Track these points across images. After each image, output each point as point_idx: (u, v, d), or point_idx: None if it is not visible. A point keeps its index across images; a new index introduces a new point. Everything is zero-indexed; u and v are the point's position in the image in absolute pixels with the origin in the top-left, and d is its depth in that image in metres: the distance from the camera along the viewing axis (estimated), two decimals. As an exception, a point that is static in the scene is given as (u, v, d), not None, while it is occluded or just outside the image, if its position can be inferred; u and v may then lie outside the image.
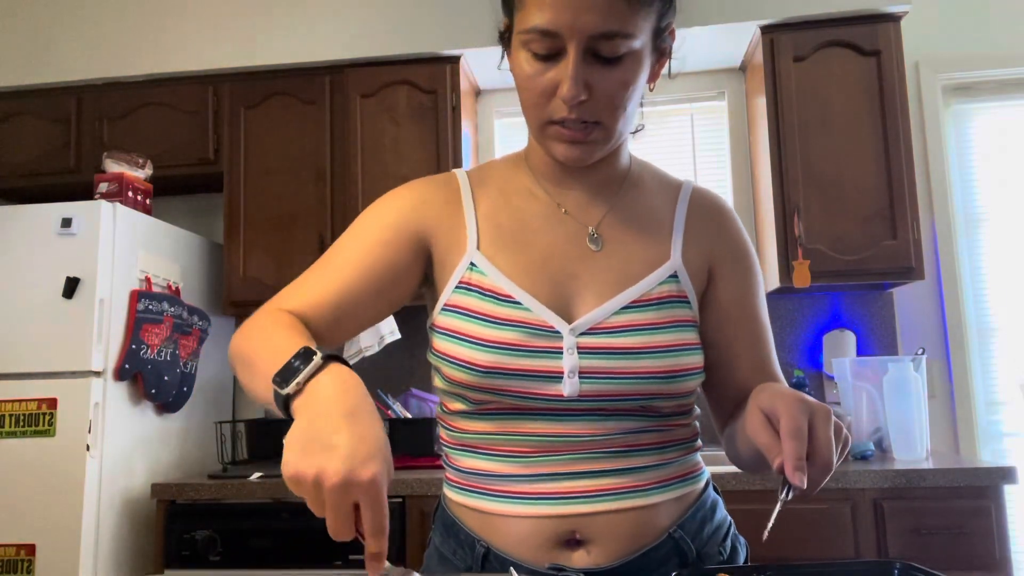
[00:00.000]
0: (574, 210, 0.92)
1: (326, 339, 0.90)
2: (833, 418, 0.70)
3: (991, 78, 2.74)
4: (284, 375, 0.71)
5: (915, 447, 2.15)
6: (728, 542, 0.93)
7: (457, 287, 0.89)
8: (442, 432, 0.96)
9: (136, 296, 2.31)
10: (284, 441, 0.65)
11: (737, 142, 2.85)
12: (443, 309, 0.90)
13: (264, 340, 0.80)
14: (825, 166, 2.41)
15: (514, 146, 2.97)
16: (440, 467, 2.32)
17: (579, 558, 0.84)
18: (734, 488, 1.98)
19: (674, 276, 0.89)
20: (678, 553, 0.86)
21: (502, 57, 0.92)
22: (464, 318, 0.87)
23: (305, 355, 0.71)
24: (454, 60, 2.63)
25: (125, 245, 2.31)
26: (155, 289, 2.41)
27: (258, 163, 2.69)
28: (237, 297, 2.63)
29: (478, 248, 0.90)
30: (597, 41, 0.78)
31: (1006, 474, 1.93)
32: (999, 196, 2.71)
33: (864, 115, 2.42)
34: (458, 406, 0.90)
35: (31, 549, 2.09)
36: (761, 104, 2.54)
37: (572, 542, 0.85)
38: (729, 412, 0.95)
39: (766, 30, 2.50)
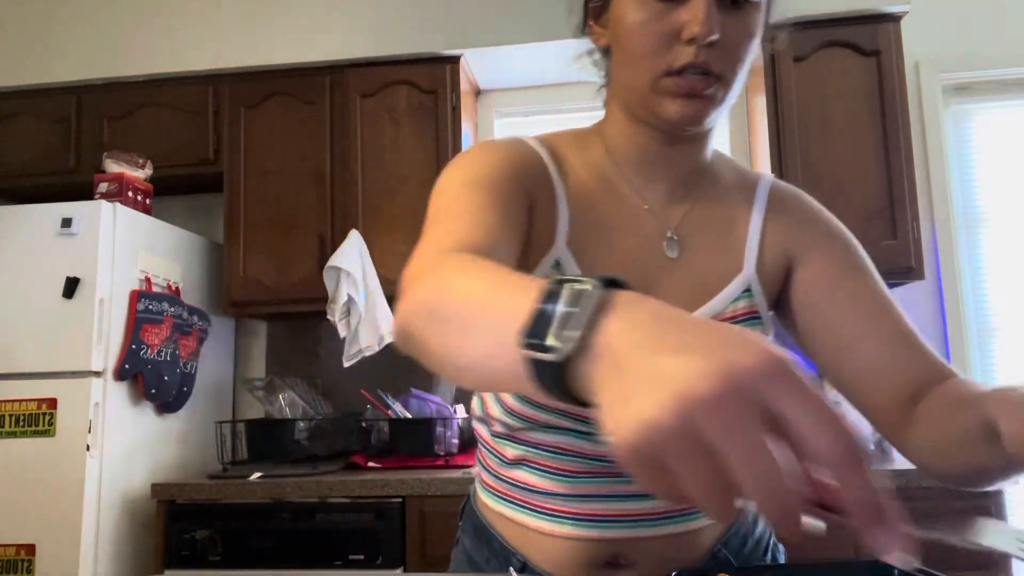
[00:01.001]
0: (657, 207, 0.83)
1: None
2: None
3: (991, 78, 2.74)
4: (539, 326, 0.43)
5: (915, 447, 2.15)
6: (769, 554, 0.89)
7: None
8: (483, 432, 0.89)
9: (136, 296, 2.30)
10: (601, 404, 0.39)
11: (737, 142, 2.85)
12: None
13: (470, 281, 0.54)
14: (825, 166, 2.41)
15: (514, 146, 2.97)
16: (439, 467, 2.32)
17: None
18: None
19: (748, 291, 0.81)
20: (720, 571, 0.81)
21: (584, 23, 0.83)
22: None
23: (561, 291, 0.43)
24: (454, 60, 2.63)
25: (125, 245, 2.31)
26: (155, 289, 2.41)
27: (258, 163, 2.69)
28: (237, 297, 2.63)
29: (567, 244, 0.79)
30: None
31: (1006, 474, 1.93)
32: (999, 196, 2.71)
33: (864, 115, 2.42)
34: (510, 419, 0.83)
35: (31, 549, 2.08)
36: (761, 104, 2.53)
37: (613, 564, 0.81)
38: (900, 415, 0.78)
39: (766, 30, 2.49)
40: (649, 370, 0.36)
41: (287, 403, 2.58)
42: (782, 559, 0.91)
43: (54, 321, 2.17)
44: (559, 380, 0.42)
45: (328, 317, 2.51)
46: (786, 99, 2.45)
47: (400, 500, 2.12)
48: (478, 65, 2.74)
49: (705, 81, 0.73)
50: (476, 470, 0.93)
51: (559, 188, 0.81)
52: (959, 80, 2.75)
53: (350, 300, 2.45)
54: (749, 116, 2.82)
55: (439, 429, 2.44)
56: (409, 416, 2.49)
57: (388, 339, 2.50)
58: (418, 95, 2.63)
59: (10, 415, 2.16)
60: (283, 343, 2.92)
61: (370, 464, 2.38)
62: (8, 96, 2.85)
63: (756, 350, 0.35)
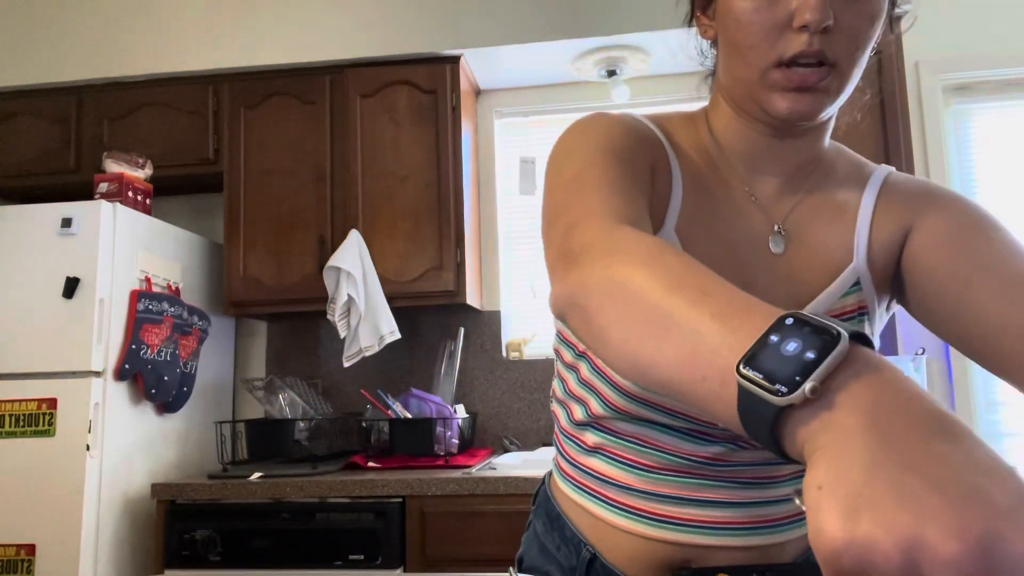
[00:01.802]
0: (764, 199, 0.79)
1: None
2: None
3: (991, 78, 2.74)
4: (766, 359, 0.40)
5: (915, 447, 2.15)
6: None
7: None
8: (560, 417, 0.87)
9: (136, 296, 2.31)
10: (817, 482, 0.35)
11: (737, 142, 2.84)
12: None
13: (674, 275, 0.50)
14: (825, 166, 2.41)
15: (515, 146, 2.97)
16: (439, 467, 2.32)
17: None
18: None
19: (857, 284, 0.76)
20: None
21: (691, 14, 0.81)
22: None
23: (801, 329, 0.40)
24: (454, 60, 2.63)
25: (125, 245, 2.31)
26: (155, 289, 2.41)
27: (258, 163, 2.69)
28: (237, 297, 2.63)
29: (675, 230, 0.75)
30: None
31: (1006, 474, 1.93)
32: (999, 196, 2.71)
33: (864, 115, 2.42)
34: (595, 402, 0.80)
35: (31, 549, 2.09)
36: (761, 104, 2.53)
37: (686, 570, 0.78)
38: None
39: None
40: (890, 481, 0.32)
41: (287, 403, 2.58)
42: None
43: (54, 321, 2.17)
44: (770, 422, 0.39)
45: (328, 317, 2.51)
46: (786, 99, 2.44)
47: (400, 500, 2.12)
48: (478, 65, 2.74)
49: (818, 72, 0.69)
50: (553, 455, 0.91)
51: (675, 168, 0.78)
52: (959, 80, 2.75)
53: (350, 300, 2.45)
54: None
55: (439, 429, 2.44)
56: (409, 416, 2.49)
57: (388, 339, 2.50)
58: (418, 95, 2.63)
59: (10, 415, 2.16)
60: (283, 343, 2.92)
61: (370, 464, 2.38)
62: (8, 96, 2.85)
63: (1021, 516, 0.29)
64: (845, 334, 0.39)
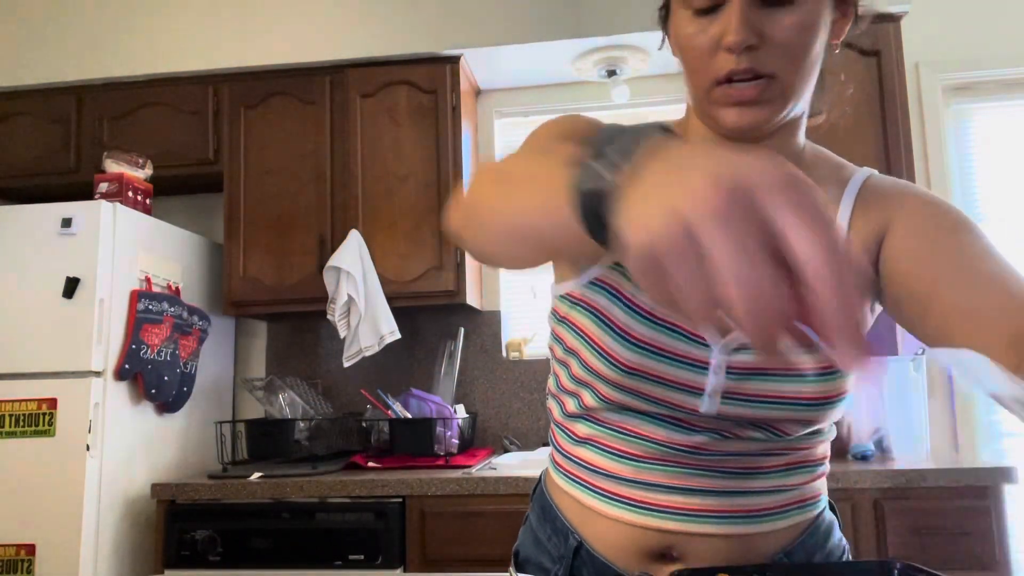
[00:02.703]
0: None
1: None
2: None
3: (991, 78, 2.74)
4: (589, 170, 0.47)
5: (915, 447, 2.15)
6: None
7: (613, 265, 0.80)
8: (554, 410, 0.90)
9: (136, 296, 2.31)
10: (623, 214, 0.41)
11: (737, 142, 2.84)
12: (594, 284, 0.80)
13: (534, 158, 0.61)
14: (825, 166, 2.41)
15: (515, 146, 2.97)
16: (439, 467, 2.32)
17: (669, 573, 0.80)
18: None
19: None
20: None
21: (662, 40, 0.84)
22: (614, 300, 0.78)
23: (614, 136, 0.49)
24: (454, 60, 2.63)
25: (125, 245, 2.31)
26: (155, 289, 2.41)
27: (258, 163, 2.69)
28: (237, 297, 2.63)
29: None
30: None
31: (1006, 474, 1.93)
32: (999, 196, 2.71)
33: (864, 115, 2.42)
34: (584, 392, 0.83)
35: (31, 549, 2.09)
36: (761, 104, 2.53)
37: (667, 557, 0.80)
38: (1008, 363, 0.63)
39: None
40: (663, 180, 0.39)
41: (287, 403, 2.58)
42: None
43: (54, 321, 2.17)
44: (600, 213, 0.44)
45: (328, 317, 2.51)
46: (786, 99, 2.45)
47: (400, 500, 2.12)
48: (478, 65, 2.74)
49: (755, 86, 0.72)
50: (549, 449, 0.94)
51: None
52: (959, 80, 2.75)
53: (350, 300, 2.45)
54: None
55: (439, 429, 2.44)
56: (409, 416, 2.49)
57: (388, 339, 2.50)
58: (418, 95, 2.63)
59: (10, 415, 2.16)
60: (283, 343, 2.92)
61: (370, 464, 2.38)
62: (8, 96, 2.85)
63: (765, 165, 0.37)
64: (645, 137, 0.46)
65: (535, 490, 0.96)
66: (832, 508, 0.90)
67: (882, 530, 1.96)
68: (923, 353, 2.27)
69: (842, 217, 0.80)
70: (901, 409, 2.18)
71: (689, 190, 0.37)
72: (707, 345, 0.77)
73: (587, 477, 0.84)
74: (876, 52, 2.43)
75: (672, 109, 2.92)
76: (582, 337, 0.80)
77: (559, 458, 0.89)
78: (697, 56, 0.74)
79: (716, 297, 0.36)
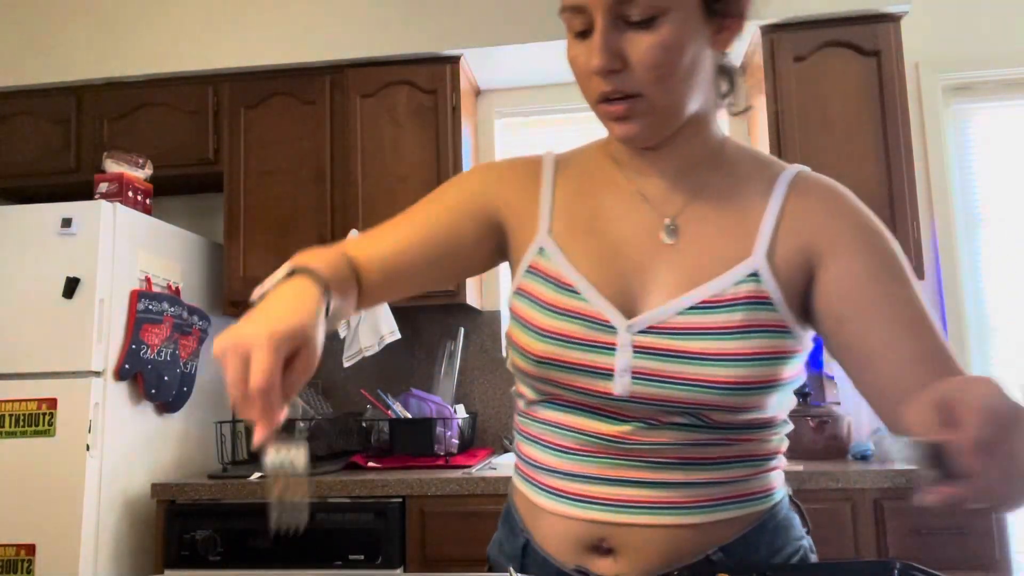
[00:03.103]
0: (654, 198, 0.85)
1: (378, 292, 0.90)
2: None
3: (991, 78, 2.74)
4: (262, 286, 0.76)
5: (915, 447, 2.14)
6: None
7: (527, 271, 0.87)
8: (515, 416, 0.95)
9: (136, 296, 2.30)
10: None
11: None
12: (515, 292, 0.88)
13: (293, 260, 0.82)
14: (825, 166, 2.39)
15: (514, 146, 2.97)
16: (439, 467, 2.33)
17: (605, 566, 0.82)
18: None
19: (755, 275, 0.79)
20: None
21: None
22: (528, 303, 0.85)
23: (286, 271, 0.76)
24: (454, 60, 2.63)
25: (125, 245, 2.31)
26: (155, 289, 2.41)
27: (258, 163, 2.69)
28: (237, 297, 2.63)
29: (549, 233, 0.87)
30: (622, 6, 0.73)
31: (1006, 474, 1.93)
32: (999, 196, 2.71)
33: (864, 115, 2.42)
34: (525, 391, 0.89)
35: (31, 549, 2.09)
36: (761, 104, 2.54)
37: (601, 549, 0.82)
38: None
39: (766, 30, 2.50)
40: (238, 324, 0.69)
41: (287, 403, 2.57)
42: None
43: (54, 321, 2.17)
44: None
45: (328, 317, 2.50)
46: (786, 99, 2.45)
47: (400, 500, 2.12)
48: (478, 65, 2.74)
49: (623, 105, 0.77)
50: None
51: (546, 188, 0.90)
52: (959, 80, 2.75)
53: (350, 300, 2.45)
54: (749, 116, 2.81)
55: (439, 429, 2.44)
56: (409, 416, 2.49)
57: (388, 339, 2.50)
58: (418, 95, 2.63)
59: (10, 415, 2.16)
60: (283, 343, 2.92)
61: (370, 464, 2.38)
62: (8, 96, 2.85)
63: (261, 324, 0.67)
64: (286, 270, 0.76)
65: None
66: (797, 506, 0.91)
67: (882, 530, 1.96)
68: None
69: (771, 213, 0.82)
70: (901, 409, 2.17)
71: (233, 335, 0.67)
72: (612, 328, 0.80)
73: (533, 473, 0.88)
74: (876, 52, 2.43)
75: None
76: (508, 338, 0.87)
77: (516, 459, 0.93)
78: (579, 77, 0.80)
79: (241, 391, 0.66)
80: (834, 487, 1.96)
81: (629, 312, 0.81)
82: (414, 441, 2.43)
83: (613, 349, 0.80)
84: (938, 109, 2.72)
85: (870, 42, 2.43)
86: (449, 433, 2.46)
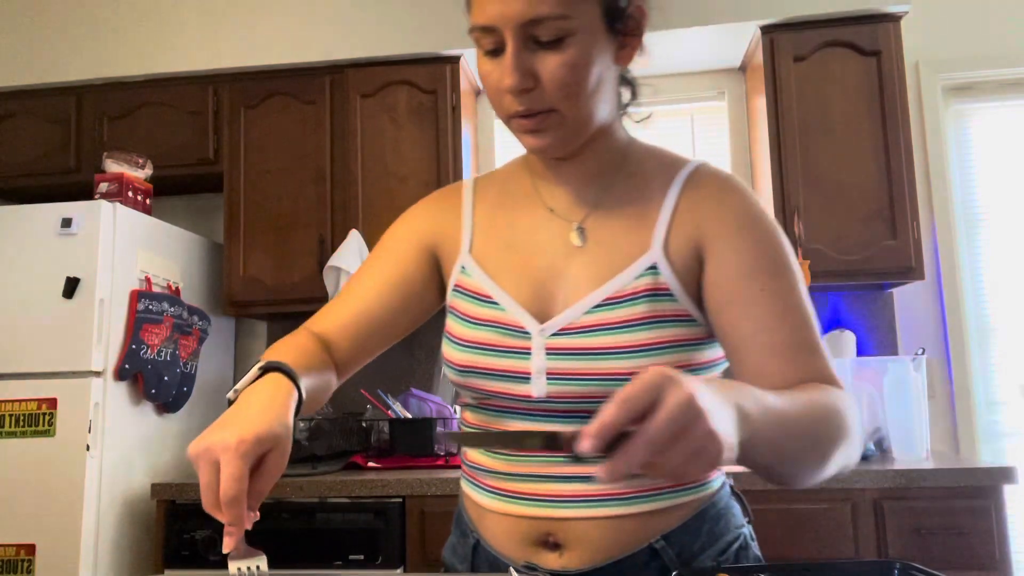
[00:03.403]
0: (562, 206, 0.90)
1: (353, 360, 0.94)
2: (701, 418, 0.53)
3: (991, 78, 2.74)
4: (236, 386, 0.77)
5: (915, 447, 2.15)
6: (730, 555, 0.87)
7: (453, 290, 0.92)
8: (460, 424, 0.99)
9: (136, 296, 2.30)
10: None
11: (737, 142, 2.85)
12: (447, 311, 0.94)
13: (265, 355, 0.84)
14: (825, 166, 2.41)
15: (514, 146, 2.97)
16: (439, 467, 2.33)
17: (552, 560, 0.84)
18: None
19: (653, 268, 0.83)
20: (658, 565, 0.83)
21: None
22: (453, 319, 0.91)
23: (255, 366, 0.78)
24: (454, 60, 2.63)
25: (125, 245, 2.31)
26: (155, 289, 2.41)
27: (258, 163, 2.69)
28: (237, 297, 2.63)
29: (469, 252, 0.92)
30: (532, 27, 0.77)
31: (1006, 474, 1.93)
32: (999, 196, 2.71)
33: (864, 115, 2.42)
34: (463, 398, 0.94)
35: (31, 549, 2.09)
36: (761, 104, 2.54)
37: (548, 543, 0.85)
38: None
39: (766, 30, 2.50)
40: (213, 427, 0.70)
41: (287, 403, 2.57)
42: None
43: (54, 321, 2.17)
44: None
45: (328, 317, 2.50)
46: (786, 99, 2.45)
47: (400, 500, 2.12)
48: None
49: (539, 120, 0.80)
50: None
51: (467, 210, 0.95)
52: (959, 80, 2.75)
53: (350, 300, 2.45)
54: (749, 116, 2.82)
55: (439, 429, 2.44)
56: (409, 416, 2.49)
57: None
58: (418, 95, 2.63)
59: (10, 415, 2.16)
60: (283, 343, 2.92)
61: (370, 464, 2.38)
62: (8, 96, 2.85)
63: (230, 431, 0.68)
64: (258, 368, 0.77)
65: None
66: (738, 496, 0.93)
67: (882, 530, 1.96)
68: (923, 353, 2.27)
69: (667, 207, 0.86)
70: (901, 409, 2.18)
71: (206, 441, 0.68)
72: (527, 334, 0.84)
73: (475, 475, 0.92)
74: (876, 52, 2.43)
75: (672, 109, 2.92)
76: (440, 354, 0.93)
77: (462, 463, 0.96)
78: (491, 94, 0.83)
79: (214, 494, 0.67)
80: (834, 487, 1.96)
81: (544, 317, 0.85)
82: (414, 441, 2.43)
83: (528, 353, 0.84)
84: (938, 109, 2.72)
85: (870, 42, 2.43)
86: (449, 433, 2.46)
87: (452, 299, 0.92)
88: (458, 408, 0.94)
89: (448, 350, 0.90)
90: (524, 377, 0.84)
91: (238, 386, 0.77)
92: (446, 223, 0.96)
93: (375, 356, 0.97)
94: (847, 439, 0.73)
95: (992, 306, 2.67)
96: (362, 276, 0.98)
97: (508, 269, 0.89)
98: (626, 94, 0.92)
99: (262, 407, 0.71)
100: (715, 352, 0.86)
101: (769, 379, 0.77)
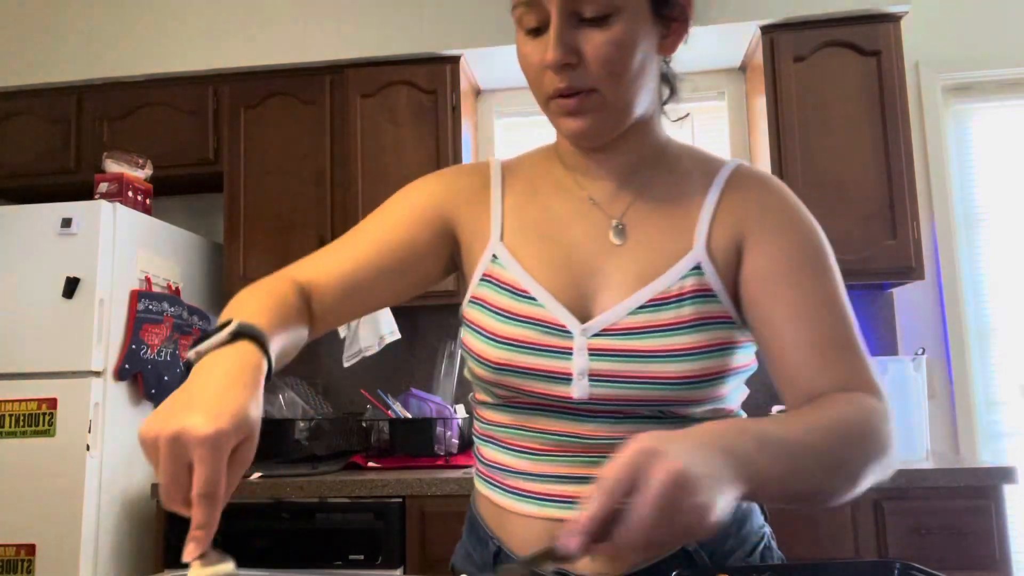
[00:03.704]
0: (601, 200, 0.86)
1: (335, 312, 0.88)
2: (690, 488, 0.53)
3: (991, 78, 2.74)
4: (197, 342, 0.68)
5: (915, 447, 2.15)
6: (756, 555, 0.86)
7: (481, 280, 0.87)
8: (474, 421, 0.95)
9: (136, 296, 2.31)
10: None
11: (737, 142, 2.85)
12: (470, 301, 0.88)
13: (236, 304, 0.77)
14: (825, 166, 2.41)
15: (514, 146, 2.97)
16: (439, 467, 2.33)
17: (585, 565, 0.79)
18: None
19: (697, 268, 0.81)
20: (691, 566, 0.81)
21: None
22: (483, 311, 0.86)
23: (226, 328, 0.69)
24: (454, 60, 2.63)
25: (125, 245, 2.31)
26: (155, 289, 2.41)
27: (258, 163, 2.69)
28: (237, 297, 2.62)
29: (501, 240, 0.87)
30: (577, 2, 0.75)
31: (1006, 474, 1.93)
32: (999, 196, 2.71)
33: (864, 115, 2.42)
34: (484, 396, 0.90)
35: (31, 549, 2.09)
36: (761, 104, 2.54)
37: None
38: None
39: (766, 30, 2.50)
40: (170, 401, 0.62)
41: (287, 403, 2.58)
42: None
43: (54, 321, 2.17)
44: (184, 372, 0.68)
45: (328, 317, 2.50)
46: (786, 99, 2.45)
47: (400, 500, 2.12)
48: (478, 65, 2.74)
49: (578, 99, 0.78)
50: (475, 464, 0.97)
51: (496, 194, 0.90)
52: (959, 80, 2.75)
53: (350, 300, 2.44)
54: (749, 116, 2.82)
55: (439, 429, 2.44)
56: (409, 416, 2.49)
57: (388, 339, 2.50)
58: (418, 95, 2.63)
59: (10, 415, 2.16)
60: (283, 343, 2.92)
61: (370, 464, 2.38)
62: (8, 96, 2.85)
63: (202, 418, 0.59)
64: (230, 330, 0.68)
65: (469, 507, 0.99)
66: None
67: (882, 530, 1.96)
68: (923, 353, 2.27)
69: (708, 207, 0.84)
70: (901, 409, 2.18)
71: (171, 422, 0.58)
72: (568, 333, 0.81)
73: (499, 477, 0.87)
74: (876, 52, 2.43)
75: (672, 108, 2.92)
76: (464, 347, 0.88)
77: (478, 464, 0.92)
78: (532, 74, 0.81)
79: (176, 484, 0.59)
80: (834, 487, 1.96)
81: (584, 315, 0.82)
82: (414, 441, 2.42)
83: (570, 353, 0.81)
84: (938, 109, 2.72)
85: (870, 42, 2.43)
86: (449, 433, 2.46)
87: (480, 290, 0.87)
88: (458, 408, 0.90)
89: (480, 345, 0.84)
90: (565, 378, 0.80)
91: (201, 348, 0.67)
92: (472, 204, 0.90)
93: (357, 318, 0.92)
94: (878, 453, 0.71)
95: (992, 306, 2.67)
96: (364, 231, 0.92)
97: (544, 262, 0.84)
98: (665, 91, 0.90)
99: (230, 383, 0.63)
100: (747, 356, 0.84)
101: (801, 377, 0.76)
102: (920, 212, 2.47)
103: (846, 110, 2.42)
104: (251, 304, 0.76)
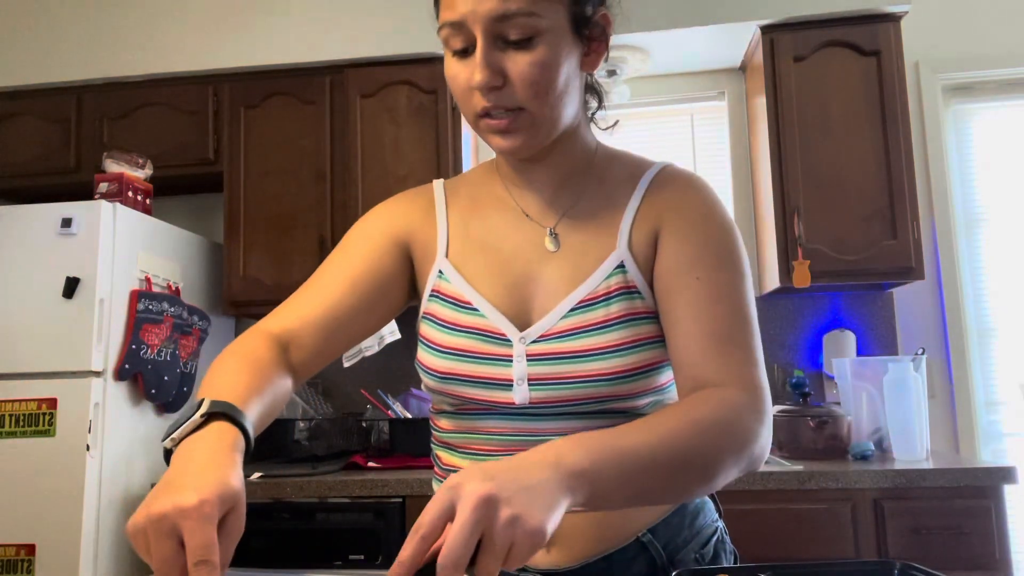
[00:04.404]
0: (535, 212, 0.91)
1: (316, 356, 0.90)
2: (500, 505, 0.55)
3: (991, 78, 2.74)
4: (171, 428, 0.69)
5: (915, 447, 2.15)
6: (710, 548, 0.90)
7: (430, 295, 0.92)
8: (431, 431, 0.98)
9: (136, 296, 2.31)
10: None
11: (737, 142, 2.85)
12: (422, 317, 0.93)
13: (210, 378, 0.78)
14: (825, 166, 2.41)
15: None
16: (440, 467, 2.33)
17: (540, 557, 0.84)
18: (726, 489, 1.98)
19: (621, 266, 0.85)
20: (646, 558, 0.85)
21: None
22: (432, 325, 0.91)
23: (198, 411, 0.69)
24: (454, 60, 2.63)
25: (125, 245, 2.31)
26: (155, 289, 2.41)
27: (258, 163, 2.69)
28: (237, 297, 2.63)
29: (446, 256, 0.92)
30: (501, 24, 0.77)
31: (1006, 474, 1.93)
32: (999, 196, 2.71)
33: (864, 115, 2.42)
34: (440, 406, 0.94)
35: (31, 549, 2.08)
36: (761, 104, 2.54)
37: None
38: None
39: (766, 30, 2.50)
40: (154, 491, 0.60)
41: (287, 403, 2.57)
42: (726, 560, 0.91)
43: (54, 321, 2.17)
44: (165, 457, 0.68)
45: (328, 317, 2.50)
46: (786, 99, 2.45)
47: (400, 500, 2.12)
48: (478, 65, 2.74)
49: (505, 118, 0.81)
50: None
51: (441, 214, 0.94)
52: (959, 80, 2.75)
53: (350, 300, 2.45)
54: (749, 116, 2.82)
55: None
56: (409, 416, 2.49)
57: (388, 339, 2.50)
58: (418, 95, 2.63)
59: (10, 415, 2.16)
60: (283, 343, 2.92)
61: (370, 464, 2.38)
62: (8, 96, 2.85)
63: (189, 492, 0.57)
64: (201, 413, 0.68)
65: None
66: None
67: (882, 530, 1.96)
68: (923, 353, 2.27)
69: (631, 206, 0.88)
70: (901, 409, 2.18)
71: (156, 508, 0.57)
72: (507, 341, 0.85)
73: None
74: (876, 52, 2.43)
75: (673, 109, 2.93)
76: (416, 361, 0.93)
77: (436, 469, 0.95)
78: (459, 94, 0.83)
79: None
80: (834, 487, 1.96)
81: (524, 322, 0.86)
82: (414, 441, 2.43)
83: (510, 360, 0.84)
84: (938, 109, 2.72)
85: (870, 42, 2.43)
86: (449, 433, 2.46)
87: (429, 304, 0.92)
88: (436, 417, 0.90)
89: (426, 356, 0.90)
90: (506, 384, 0.84)
91: (176, 434, 0.67)
92: (420, 222, 0.95)
93: (337, 356, 0.95)
94: (736, 448, 0.72)
95: (992, 306, 2.67)
96: (329, 271, 0.94)
97: (485, 274, 0.89)
98: (592, 101, 0.93)
99: (207, 462, 0.62)
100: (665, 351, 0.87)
101: (688, 366, 0.79)
102: (920, 212, 2.47)
103: (846, 110, 2.42)
104: (224, 377, 0.76)
